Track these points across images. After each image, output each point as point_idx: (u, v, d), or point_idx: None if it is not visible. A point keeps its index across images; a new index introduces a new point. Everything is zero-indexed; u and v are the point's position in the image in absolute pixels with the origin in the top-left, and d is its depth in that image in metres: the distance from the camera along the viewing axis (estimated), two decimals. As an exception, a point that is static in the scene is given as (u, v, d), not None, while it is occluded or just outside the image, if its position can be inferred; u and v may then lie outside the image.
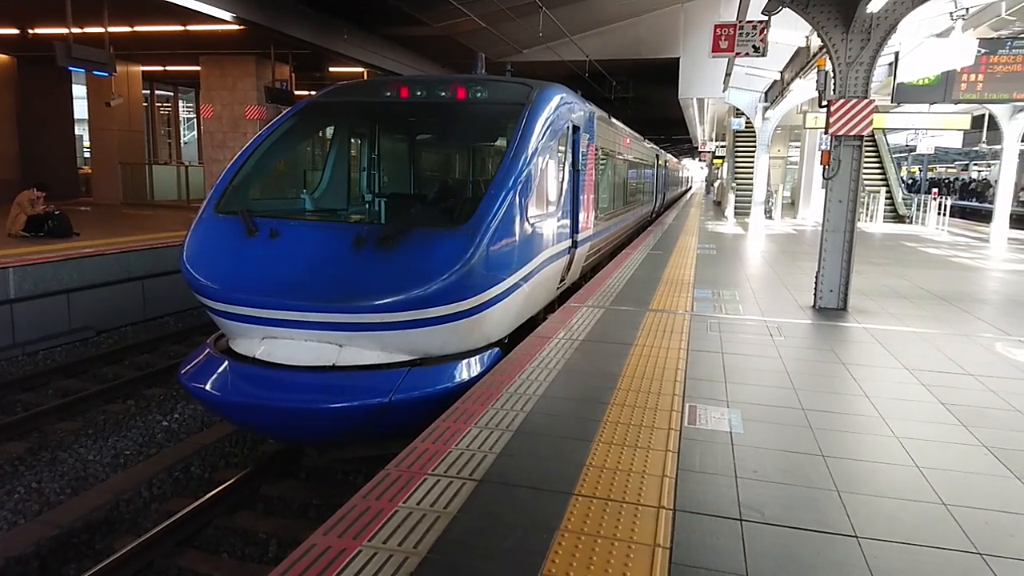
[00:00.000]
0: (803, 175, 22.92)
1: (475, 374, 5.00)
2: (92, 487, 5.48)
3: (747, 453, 3.48)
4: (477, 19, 13.76)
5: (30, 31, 16.39)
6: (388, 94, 6.53)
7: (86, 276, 9.80)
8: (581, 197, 7.63)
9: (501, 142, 6.62)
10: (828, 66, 7.26)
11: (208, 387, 4.75)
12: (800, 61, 13.19)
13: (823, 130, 7.13)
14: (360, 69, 18.76)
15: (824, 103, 7.35)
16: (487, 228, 4.95)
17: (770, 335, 6.09)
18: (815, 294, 7.36)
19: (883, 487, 3.17)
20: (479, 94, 6.31)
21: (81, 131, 26.62)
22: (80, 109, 23.88)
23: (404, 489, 2.98)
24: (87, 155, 26.72)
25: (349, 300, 4.61)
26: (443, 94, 6.36)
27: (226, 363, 4.88)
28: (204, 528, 4.81)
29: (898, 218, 22.47)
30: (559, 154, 6.61)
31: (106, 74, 12.05)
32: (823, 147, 7.18)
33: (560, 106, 6.59)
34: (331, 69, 20.97)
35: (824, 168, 7.13)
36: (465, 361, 5.06)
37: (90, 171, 23.81)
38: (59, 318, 9.37)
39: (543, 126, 5.96)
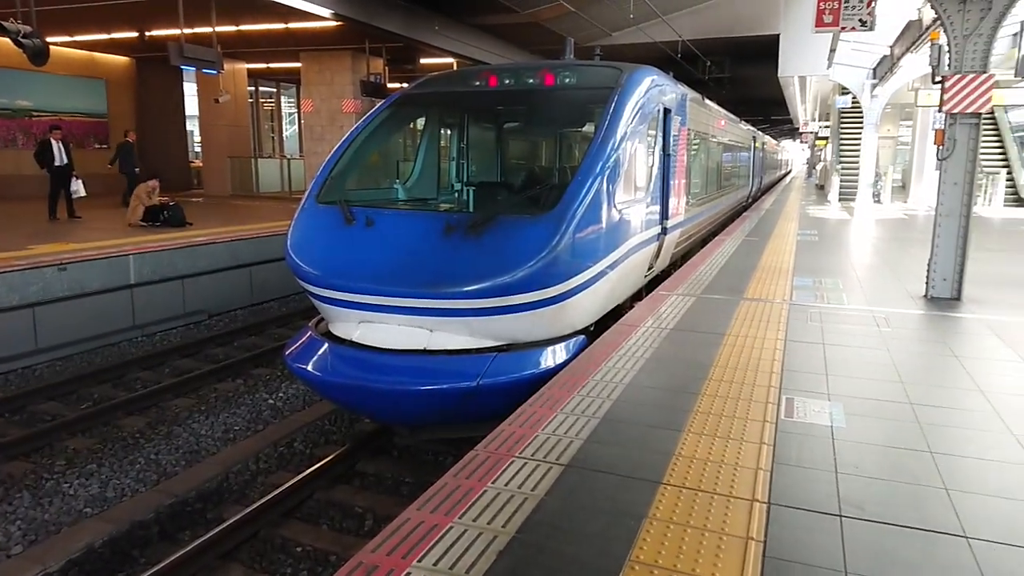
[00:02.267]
0: (915, 156, 21.51)
1: (561, 361, 5.01)
2: (204, 460, 5.87)
3: (848, 448, 3.34)
4: (565, 3, 13.66)
5: (147, 34, 17.54)
6: (477, 83, 6.59)
7: (199, 263, 10.45)
8: (672, 182, 7.47)
9: (589, 128, 6.56)
10: (942, 39, 6.77)
11: (310, 368, 5.00)
12: (911, 35, 12.38)
13: (937, 108, 6.67)
14: (450, 60, 19.01)
15: (938, 79, 6.87)
16: (573, 215, 4.94)
17: (876, 326, 5.78)
18: (927, 283, 6.93)
19: (997, 487, 2.97)
20: (567, 80, 6.27)
21: (192, 127, 28.28)
22: (191, 106, 25.39)
23: (493, 470, 3.04)
24: (198, 149, 28.40)
25: (438, 286, 4.71)
26: (531, 81, 6.36)
27: (326, 346, 5.11)
28: (306, 501, 5.07)
29: (1020, 202, 20.74)
30: (649, 138, 6.49)
31: (215, 72, 12.75)
32: (937, 126, 6.72)
33: (650, 89, 6.46)
34: (422, 61, 21.36)
35: (938, 148, 6.68)
36: (551, 348, 5.08)
37: (201, 164, 25.30)
38: (175, 302, 10.04)
39: (632, 110, 5.87)
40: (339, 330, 5.23)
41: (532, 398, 3.95)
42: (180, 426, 6.58)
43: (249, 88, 26.24)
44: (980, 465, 3.20)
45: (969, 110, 6.39)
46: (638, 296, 7.21)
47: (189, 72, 22.60)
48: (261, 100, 31.45)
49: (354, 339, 5.04)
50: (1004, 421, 3.71)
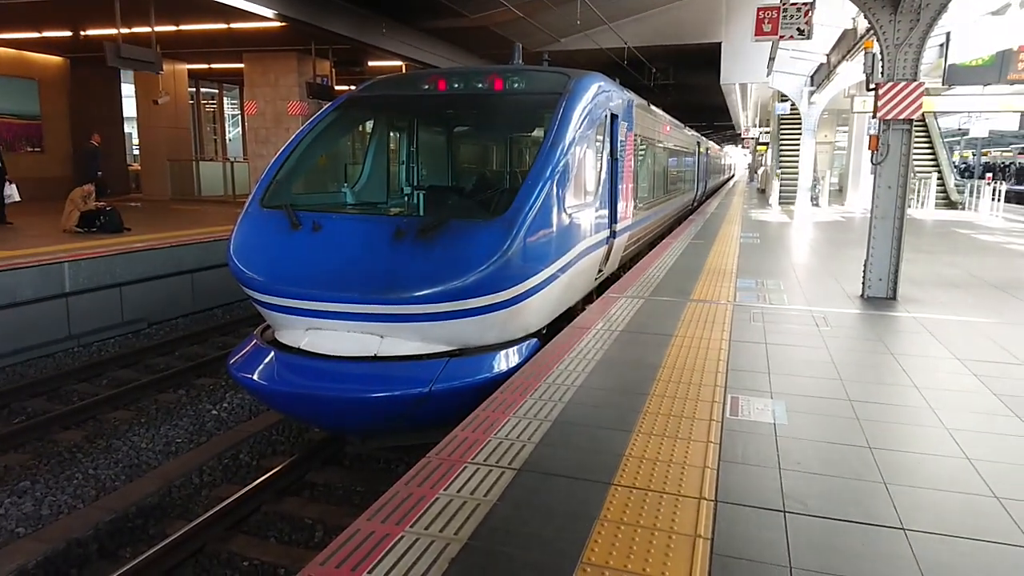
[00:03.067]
0: (851, 161, 22.34)
1: (513, 364, 5.01)
2: (145, 474, 5.67)
3: (791, 444, 3.43)
4: (514, 9, 13.72)
5: (82, 33, 16.90)
6: (426, 87, 6.56)
7: (138, 270, 10.11)
8: (620, 186, 7.57)
9: (538, 132, 6.61)
10: (876, 48, 7.05)
11: (255, 377, 4.88)
12: (847, 43, 12.85)
13: (871, 114, 6.93)
14: (398, 63, 18.89)
15: (872, 86, 7.14)
16: (524, 219, 4.96)
17: (816, 325, 5.97)
18: (863, 283, 7.19)
19: (932, 479, 3.10)
20: (516, 85, 6.30)
21: (130, 129, 27.36)
22: (129, 107, 24.55)
23: (445, 477, 3.02)
24: (136, 152, 27.48)
25: (389, 292, 4.67)
26: (480, 86, 6.37)
27: (272, 354, 5.00)
28: (253, 513, 4.94)
29: (950, 204, 21.76)
30: (597, 143, 6.57)
31: (153, 72, 12.38)
32: (871, 131, 6.99)
33: (598, 95, 6.54)
34: (370, 63, 21.15)
35: (872, 153, 6.95)
36: (503, 352, 5.08)
37: (139, 168, 24.50)
38: (112, 311, 9.69)
39: (580, 115, 5.93)
40: (286, 338, 5.12)
41: (485, 403, 3.94)
42: (119, 439, 6.34)
43: (190, 89, 25.55)
44: (916, 459, 3.32)
45: (901, 116, 6.66)
46: (589, 299, 7.28)
47: (127, 73, 21.95)
48: (203, 101, 30.64)
49: (302, 347, 4.95)
50: (937, 416, 3.87)
